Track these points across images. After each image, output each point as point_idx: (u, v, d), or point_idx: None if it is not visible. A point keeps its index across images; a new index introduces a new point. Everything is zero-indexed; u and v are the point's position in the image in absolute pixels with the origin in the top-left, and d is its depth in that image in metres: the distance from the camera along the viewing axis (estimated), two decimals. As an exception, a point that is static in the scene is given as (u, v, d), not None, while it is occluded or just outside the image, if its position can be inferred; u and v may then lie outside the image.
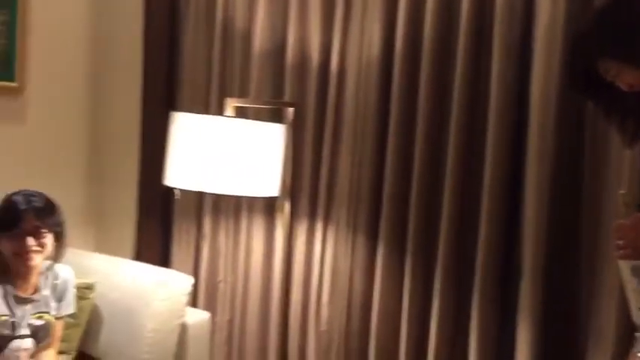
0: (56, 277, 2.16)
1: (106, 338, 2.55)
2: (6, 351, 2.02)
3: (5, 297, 2.03)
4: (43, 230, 2.03)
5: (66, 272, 2.22)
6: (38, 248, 2.03)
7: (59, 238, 2.11)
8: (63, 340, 2.44)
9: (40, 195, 2.07)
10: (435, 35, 2.39)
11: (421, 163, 2.44)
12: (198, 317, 2.69)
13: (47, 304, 2.13)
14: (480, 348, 2.28)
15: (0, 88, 2.77)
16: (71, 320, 2.49)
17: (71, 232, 3.09)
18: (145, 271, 2.62)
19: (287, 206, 2.48)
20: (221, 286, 3.03)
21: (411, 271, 2.45)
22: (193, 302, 2.69)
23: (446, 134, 2.40)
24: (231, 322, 3.00)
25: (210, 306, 2.94)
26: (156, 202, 3.12)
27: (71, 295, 2.21)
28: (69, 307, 2.20)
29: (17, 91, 2.83)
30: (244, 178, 2.26)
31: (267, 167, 2.32)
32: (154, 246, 3.11)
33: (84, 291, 2.54)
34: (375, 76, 2.55)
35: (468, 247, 2.35)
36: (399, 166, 2.50)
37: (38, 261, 2.07)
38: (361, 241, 2.61)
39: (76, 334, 2.53)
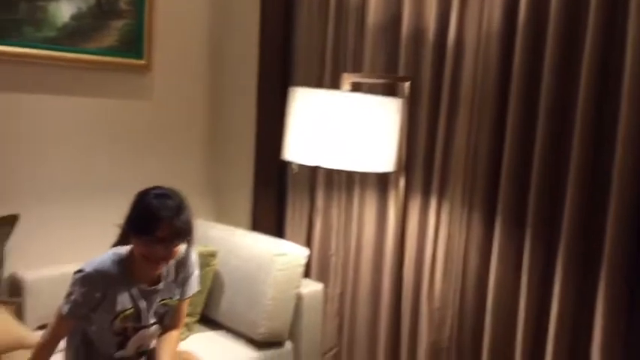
0: (181, 265, 2.11)
1: (227, 304, 2.68)
2: (132, 340, 2.05)
3: (129, 290, 2.00)
4: (175, 241, 1.94)
5: (189, 257, 2.13)
6: (167, 258, 1.97)
7: (189, 241, 2.03)
8: (188, 305, 2.60)
9: (175, 197, 1.96)
10: (563, 7, 2.26)
11: (543, 139, 2.34)
12: (312, 288, 2.77)
13: (171, 291, 2.10)
14: (606, 332, 2.18)
15: (129, 65, 2.94)
16: (195, 286, 2.65)
17: (193, 202, 3.27)
18: (264, 242, 2.72)
19: (401, 181, 2.47)
20: (333, 259, 3.09)
21: (531, 249, 2.38)
22: (306, 274, 2.76)
23: (572, 109, 2.28)
24: (342, 294, 3.06)
25: (322, 278, 3.01)
26: (271, 176, 3.21)
27: (195, 278, 2.16)
28: (193, 288, 2.17)
29: (145, 69, 3.00)
30: (359, 153, 2.27)
31: (382, 142, 2.32)
32: (268, 218, 3.22)
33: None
34: (495, 51, 2.46)
35: (592, 224, 2.24)
36: (520, 142, 2.41)
37: (162, 266, 2.01)
38: (477, 217, 2.56)
39: (200, 299, 2.68)
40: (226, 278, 2.71)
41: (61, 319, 1.97)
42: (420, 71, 2.72)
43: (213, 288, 2.71)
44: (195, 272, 2.18)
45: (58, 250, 2.13)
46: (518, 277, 2.44)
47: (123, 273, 1.98)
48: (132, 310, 2.01)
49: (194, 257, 2.17)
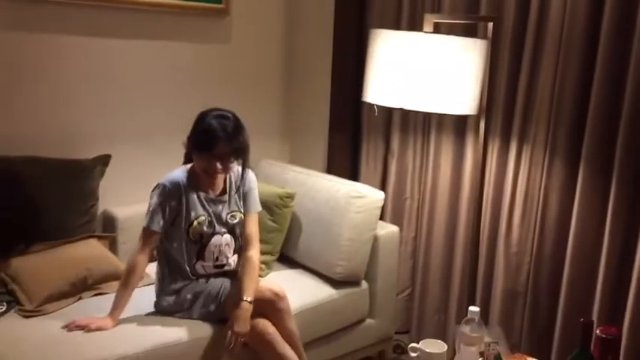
0: (240, 181, 2.34)
1: (304, 244, 2.76)
2: (209, 246, 2.28)
3: (199, 199, 2.27)
4: (232, 157, 2.22)
5: (247, 174, 2.37)
6: (223, 171, 2.23)
7: (244, 158, 2.29)
8: (267, 243, 2.70)
9: (232, 118, 2.21)
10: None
11: (634, 84, 2.24)
12: (388, 230, 2.81)
13: (236, 204, 2.34)
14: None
15: (208, 10, 2.97)
16: (275, 225, 2.74)
17: (269, 144, 3.36)
18: (340, 185, 2.76)
19: (481, 124, 2.42)
20: (407, 202, 3.11)
21: (615, 197, 2.31)
22: (380, 217, 2.79)
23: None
24: (416, 238, 3.09)
25: (396, 222, 3.04)
26: (346, 119, 3.22)
27: (255, 195, 2.38)
28: (255, 205, 2.38)
29: (223, 13, 3.03)
30: (439, 95, 2.24)
31: (463, 84, 2.27)
32: (343, 161, 3.25)
33: (285, 200, 2.76)
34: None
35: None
36: (608, 86, 2.31)
37: (223, 178, 2.28)
38: (559, 163, 2.50)
39: (279, 239, 2.77)
40: (303, 220, 2.78)
41: (144, 233, 2.21)
42: (503, 11, 2.62)
43: (292, 228, 2.79)
44: (254, 190, 2.40)
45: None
46: (601, 225, 2.39)
47: (192, 184, 2.24)
48: (204, 217, 2.25)
49: (251, 175, 2.40)
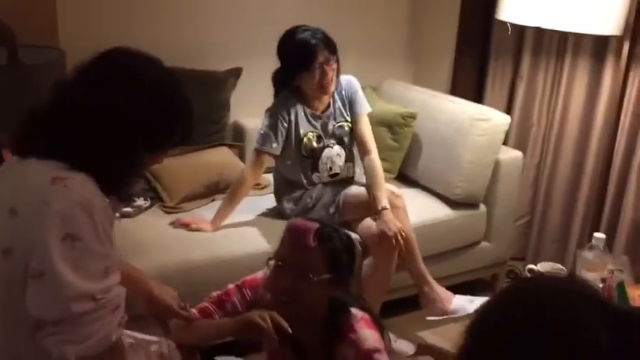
0: (342, 88, 2.35)
1: (423, 164, 2.78)
2: (321, 159, 2.36)
3: (306, 116, 2.32)
4: (332, 58, 2.22)
5: (347, 79, 2.37)
6: (333, 76, 2.24)
7: (338, 62, 2.28)
8: (386, 161, 2.74)
9: (308, 25, 2.24)
10: None
11: None
12: (511, 155, 2.75)
13: (342, 114, 2.36)
14: None
15: None
16: (395, 144, 2.77)
17: (393, 64, 3.33)
18: (464, 106, 2.71)
19: (625, 47, 2.26)
20: (533, 129, 3.00)
21: None
22: (503, 142, 2.73)
23: None
24: (539, 165, 3.00)
25: (520, 147, 2.95)
26: (474, 39, 3.11)
27: (361, 96, 2.37)
28: (362, 107, 2.37)
29: None
30: (580, 13, 2.10)
31: (607, 1, 2.11)
32: (468, 82, 3.17)
33: (407, 119, 2.77)
34: None
35: None
36: None
37: (334, 86, 2.29)
38: None
39: (398, 158, 2.81)
40: (424, 140, 2.78)
41: (255, 153, 2.33)
42: None
43: (412, 148, 2.81)
44: (359, 92, 2.40)
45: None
46: None
47: (299, 103, 2.29)
48: (313, 133, 2.32)
49: (353, 79, 2.40)
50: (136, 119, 1.14)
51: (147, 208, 2.38)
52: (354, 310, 1.41)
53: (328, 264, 1.36)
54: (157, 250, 2.08)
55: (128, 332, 1.47)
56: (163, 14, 2.69)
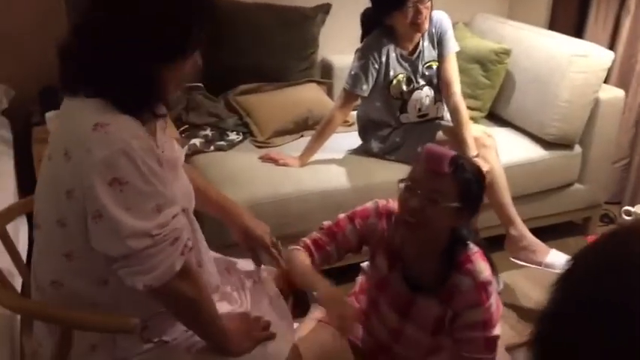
0: (432, 25, 2.28)
1: (516, 102, 2.69)
2: (410, 101, 2.33)
3: (397, 58, 2.28)
4: None
5: (438, 16, 2.30)
6: (427, 14, 2.18)
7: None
8: (477, 99, 2.68)
9: None
10: None
11: None
12: (612, 94, 2.60)
13: (430, 53, 2.31)
14: None
15: None
16: (487, 82, 2.68)
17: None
18: (562, 42, 2.57)
19: None
20: (638, 66, 2.81)
21: None
22: (605, 79, 2.58)
23: None
24: (643, 105, 2.83)
25: (623, 86, 2.78)
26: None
27: (449, 35, 2.30)
28: (452, 46, 2.30)
29: None
30: None
31: None
32: (569, 16, 2.99)
33: (500, 55, 2.66)
34: None
35: None
36: None
37: (427, 24, 2.22)
38: None
39: (489, 96, 2.72)
40: (518, 77, 2.68)
41: (345, 93, 2.32)
42: None
43: (504, 86, 2.71)
44: (449, 31, 2.32)
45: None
46: None
47: (389, 43, 2.25)
48: (403, 74, 2.30)
49: (444, 16, 2.32)
50: (147, 29, 1.12)
51: (239, 142, 2.46)
52: (471, 244, 1.44)
53: (459, 193, 1.36)
54: (249, 182, 2.16)
55: (224, 257, 1.56)
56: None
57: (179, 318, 1.26)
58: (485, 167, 2.16)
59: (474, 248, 1.44)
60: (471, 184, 1.38)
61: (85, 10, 1.16)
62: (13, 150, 2.21)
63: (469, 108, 2.36)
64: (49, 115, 2.09)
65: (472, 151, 2.19)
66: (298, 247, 1.53)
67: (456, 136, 2.24)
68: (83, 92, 1.14)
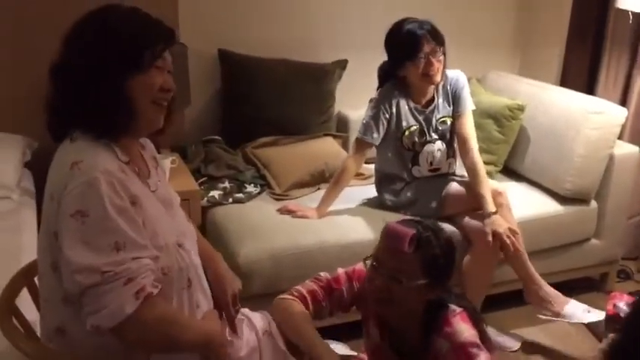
0: (447, 83, 2.33)
1: (531, 157, 2.71)
2: (422, 153, 2.35)
3: (410, 110, 2.32)
4: (439, 49, 2.20)
5: (454, 75, 2.34)
6: (439, 67, 2.22)
7: (444, 54, 2.25)
8: (492, 154, 2.70)
9: (416, 18, 2.23)
10: None
11: None
12: (626, 150, 2.63)
13: (445, 109, 2.34)
14: None
15: None
16: (501, 137, 2.72)
17: (498, 54, 3.27)
18: (576, 99, 2.61)
19: None
20: (650, 122, 2.85)
21: None
22: (619, 136, 2.61)
23: None
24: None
25: (637, 142, 2.81)
26: (588, 28, 2.98)
27: (465, 93, 2.34)
28: (467, 105, 2.34)
29: None
30: None
31: None
32: (580, 74, 3.05)
33: (515, 111, 2.71)
34: None
35: None
36: None
37: (440, 77, 2.26)
38: None
39: (504, 150, 2.75)
40: (532, 133, 2.71)
41: (357, 142, 2.36)
42: None
43: (519, 141, 2.74)
44: (465, 89, 2.36)
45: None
46: None
47: (403, 95, 2.30)
48: (416, 127, 2.33)
49: (460, 74, 2.37)
50: (93, 57, 1.17)
51: (257, 195, 2.49)
52: (452, 306, 1.41)
53: (424, 269, 1.35)
54: (268, 234, 2.17)
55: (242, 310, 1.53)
56: (276, 10, 2.79)
57: (149, 350, 1.22)
58: (504, 226, 2.18)
59: (455, 310, 1.40)
60: (437, 258, 1.36)
61: (52, 66, 1.23)
62: (35, 202, 2.23)
63: (484, 162, 2.39)
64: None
65: (490, 207, 2.20)
66: (291, 297, 1.48)
67: (472, 191, 2.26)
68: (68, 136, 1.20)
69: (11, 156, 2.29)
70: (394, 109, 2.32)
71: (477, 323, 1.41)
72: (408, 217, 1.56)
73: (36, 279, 1.33)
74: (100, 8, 1.23)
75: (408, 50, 2.21)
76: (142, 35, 1.20)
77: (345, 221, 2.31)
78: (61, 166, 1.16)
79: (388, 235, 1.37)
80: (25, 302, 1.38)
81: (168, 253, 1.22)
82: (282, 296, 1.50)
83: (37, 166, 2.45)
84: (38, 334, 1.40)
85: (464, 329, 1.36)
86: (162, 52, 1.22)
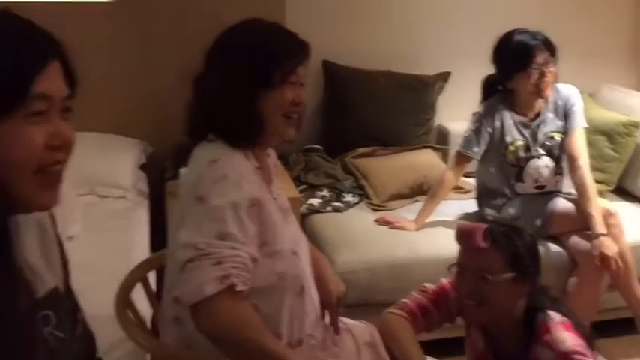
0: (557, 97, 2.23)
1: (646, 177, 2.55)
2: (526, 169, 2.26)
3: (515, 124, 2.24)
4: (552, 60, 2.12)
5: (567, 90, 2.25)
6: (551, 80, 2.13)
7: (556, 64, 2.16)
8: (603, 172, 2.57)
9: (528, 29, 2.16)
10: None
11: None
12: None
13: (554, 124, 2.24)
14: None
15: None
16: (614, 154, 2.58)
17: (613, 68, 3.10)
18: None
19: None
20: None
21: None
22: None
23: None
24: None
25: None
26: None
27: (577, 109, 2.22)
28: (578, 121, 2.22)
29: None
30: None
31: None
32: None
33: (629, 128, 2.56)
34: None
35: None
36: None
37: (550, 91, 2.17)
38: None
39: (617, 169, 2.61)
40: (648, 151, 2.56)
41: (457, 155, 2.32)
42: None
43: (633, 160, 2.59)
44: (577, 105, 2.25)
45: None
46: None
47: (508, 108, 2.23)
48: (521, 141, 2.25)
49: (572, 89, 2.27)
50: (237, 61, 1.23)
51: (355, 204, 2.51)
52: (551, 313, 1.36)
53: (508, 262, 1.33)
54: (366, 244, 2.18)
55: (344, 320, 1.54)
56: (380, 22, 2.82)
57: (218, 345, 1.19)
58: (613, 249, 2.06)
59: (554, 318, 1.35)
60: (518, 249, 1.34)
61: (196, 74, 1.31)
62: (149, 202, 2.38)
63: (595, 181, 2.27)
64: (183, 171, 2.23)
65: (599, 228, 2.09)
66: (399, 311, 1.47)
67: (580, 211, 2.16)
68: (204, 138, 1.27)
69: (128, 159, 2.46)
70: (498, 123, 2.25)
71: (584, 336, 1.35)
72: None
73: (149, 274, 1.42)
74: (241, 23, 1.30)
75: (519, 61, 2.15)
76: (277, 52, 1.25)
77: (442, 234, 2.27)
78: (199, 163, 1.25)
79: (461, 235, 1.37)
80: (136, 296, 1.48)
81: (283, 258, 1.26)
82: (391, 310, 1.49)
83: (151, 169, 2.62)
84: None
85: (566, 337, 1.31)
86: (295, 68, 1.25)
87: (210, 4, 2.56)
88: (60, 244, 0.88)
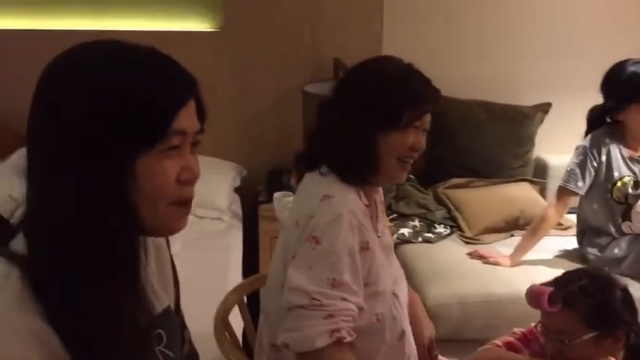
0: None
1: None
2: (635, 208, 2.12)
3: (623, 159, 2.13)
4: None
5: None
6: None
7: None
8: None
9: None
10: None
11: None
12: None
13: None
14: None
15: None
16: None
17: None
18: None
19: None
20: None
21: None
22: None
23: None
24: None
25: None
26: None
27: None
28: None
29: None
30: None
31: None
32: None
33: None
34: None
35: None
36: None
37: None
38: None
39: None
40: None
41: (559, 191, 2.19)
42: None
43: None
44: None
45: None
46: None
47: (615, 143, 2.14)
48: (629, 177, 2.14)
49: None
50: (364, 103, 1.22)
51: (447, 236, 2.46)
52: None
53: (585, 321, 1.25)
54: (458, 278, 2.13)
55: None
56: (477, 50, 2.78)
57: None
58: None
59: None
60: (598, 307, 1.25)
61: (322, 101, 1.31)
62: (242, 224, 2.44)
63: None
64: (276, 195, 2.28)
65: None
66: (490, 345, 1.44)
67: None
68: (315, 167, 1.27)
69: (225, 181, 2.54)
70: (604, 157, 2.15)
71: None
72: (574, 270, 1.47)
73: (245, 297, 1.45)
74: (378, 59, 1.31)
75: (633, 92, 2.06)
76: (411, 95, 1.22)
77: (539, 273, 2.17)
78: (311, 197, 1.24)
79: (529, 300, 1.31)
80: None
81: (384, 299, 1.24)
82: (484, 347, 1.45)
83: (244, 192, 2.69)
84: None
85: None
86: (424, 114, 1.24)
87: (308, 33, 2.62)
88: (172, 264, 0.91)
